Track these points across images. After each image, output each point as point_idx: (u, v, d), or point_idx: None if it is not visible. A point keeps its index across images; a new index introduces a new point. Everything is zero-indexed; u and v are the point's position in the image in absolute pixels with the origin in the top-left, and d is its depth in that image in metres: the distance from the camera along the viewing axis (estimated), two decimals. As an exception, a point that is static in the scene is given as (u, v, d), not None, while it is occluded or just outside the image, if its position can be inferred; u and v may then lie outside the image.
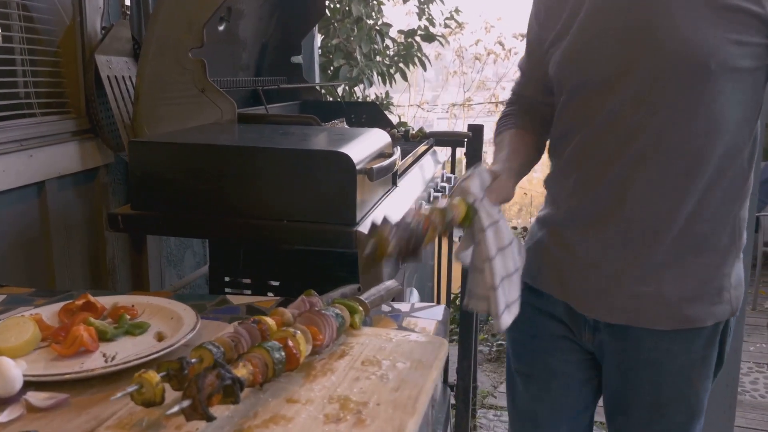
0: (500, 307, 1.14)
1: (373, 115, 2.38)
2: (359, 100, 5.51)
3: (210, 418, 0.71)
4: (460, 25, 6.49)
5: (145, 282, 1.95)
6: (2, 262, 1.51)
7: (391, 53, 5.69)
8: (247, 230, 1.32)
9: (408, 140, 2.26)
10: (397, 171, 1.60)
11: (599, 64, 1.18)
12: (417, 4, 5.75)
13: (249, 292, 1.83)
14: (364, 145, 1.41)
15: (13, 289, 1.27)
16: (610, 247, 1.22)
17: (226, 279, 1.81)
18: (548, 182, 1.34)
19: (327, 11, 5.60)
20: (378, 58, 5.50)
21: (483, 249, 1.12)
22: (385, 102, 5.69)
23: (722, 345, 1.27)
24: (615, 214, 1.20)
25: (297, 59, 2.42)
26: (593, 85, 1.20)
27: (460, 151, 2.44)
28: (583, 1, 1.21)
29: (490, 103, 8.67)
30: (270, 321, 0.92)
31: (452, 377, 2.61)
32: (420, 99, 10.88)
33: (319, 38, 5.61)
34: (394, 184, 1.62)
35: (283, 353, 0.84)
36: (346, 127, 2.05)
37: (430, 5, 5.77)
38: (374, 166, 1.31)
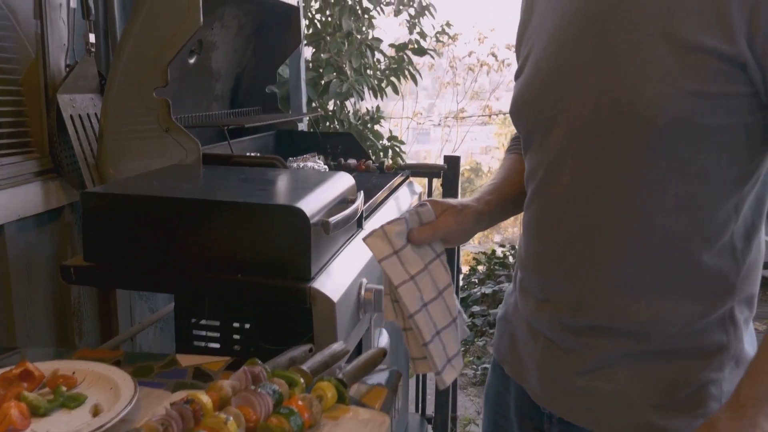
0: (438, 364, 1.07)
1: (349, 146, 2.36)
2: (349, 112, 5.50)
3: None
4: (451, 38, 6.49)
5: (114, 322, 1.93)
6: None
7: (383, 67, 5.68)
8: (202, 284, 1.29)
9: (383, 172, 2.24)
10: (362, 214, 1.57)
11: (536, 113, 1.01)
12: (408, 18, 5.75)
13: (217, 334, 1.80)
14: (323, 194, 1.38)
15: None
16: (563, 333, 1.02)
17: (192, 321, 1.78)
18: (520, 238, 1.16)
19: (318, 25, 5.61)
20: (369, 72, 5.49)
21: (403, 308, 1.06)
22: (375, 116, 5.69)
23: None
24: (565, 299, 1.01)
25: (272, 89, 2.40)
26: (534, 137, 1.03)
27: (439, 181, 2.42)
28: (539, 35, 1.04)
29: (482, 115, 8.67)
30: (204, 399, 0.89)
31: (430, 408, 2.58)
32: (416, 106, 10.91)
33: (309, 51, 5.61)
34: (360, 227, 1.59)
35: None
36: (316, 164, 2.03)
37: (422, 19, 5.76)
38: (331, 219, 1.28)
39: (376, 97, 5.59)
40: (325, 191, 1.41)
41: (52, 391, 1.00)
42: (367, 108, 5.77)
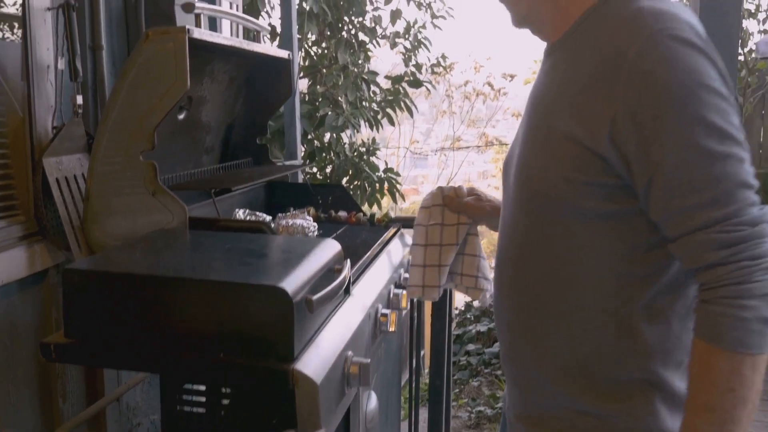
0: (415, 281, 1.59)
1: (340, 197, 2.35)
2: (345, 144, 5.50)
3: None
4: (446, 68, 6.50)
5: (99, 381, 1.91)
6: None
7: (378, 99, 5.69)
8: (184, 364, 1.28)
9: (374, 224, 2.23)
10: (349, 281, 1.56)
11: (504, 178, 1.23)
12: (403, 51, 5.77)
13: (203, 399, 1.77)
14: (308, 266, 1.36)
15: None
16: (507, 374, 1.24)
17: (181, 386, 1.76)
18: None
19: (314, 57, 5.63)
20: (365, 104, 5.50)
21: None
22: (371, 148, 5.69)
23: None
24: (500, 338, 1.23)
25: (263, 140, 2.39)
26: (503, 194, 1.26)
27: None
28: None
29: (477, 146, 8.69)
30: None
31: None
32: (413, 131, 10.92)
33: (304, 83, 5.63)
34: (347, 293, 1.58)
35: None
36: (305, 222, 2.01)
37: (417, 51, 5.78)
38: (315, 297, 1.27)
39: (372, 129, 5.61)
40: (311, 263, 1.39)
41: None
42: (363, 140, 5.78)
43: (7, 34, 2.09)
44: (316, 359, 1.28)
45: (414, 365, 2.50)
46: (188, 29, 1.60)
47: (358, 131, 5.60)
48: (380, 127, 5.73)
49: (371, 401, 1.74)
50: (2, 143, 1.68)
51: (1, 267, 1.59)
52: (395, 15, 5.48)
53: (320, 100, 5.34)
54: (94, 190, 1.68)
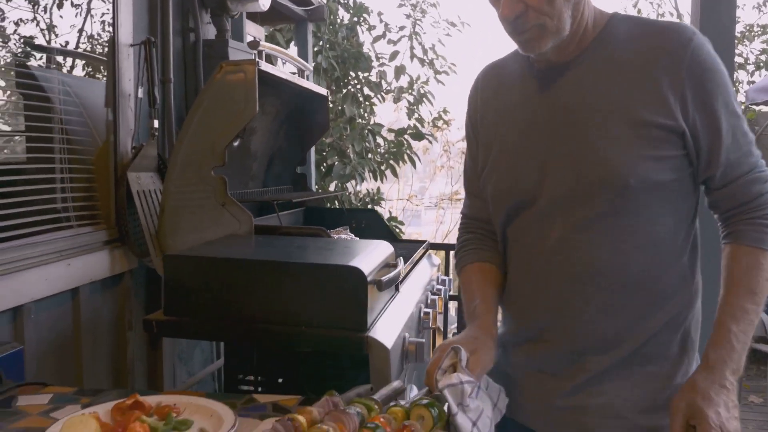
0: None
1: (373, 221, 2.58)
2: (350, 194, 5.72)
3: None
4: (446, 122, 6.79)
5: (159, 380, 2.09)
6: (40, 362, 1.65)
7: (382, 150, 5.93)
8: (270, 336, 1.48)
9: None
10: (403, 277, 1.77)
11: (520, 194, 1.29)
12: (407, 105, 6.04)
13: (261, 389, 1.96)
14: (371, 258, 1.58)
15: (57, 388, 1.41)
16: (555, 362, 1.27)
17: (240, 377, 1.95)
18: (502, 300, 1.39)
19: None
20: (369, 155, 5.73)
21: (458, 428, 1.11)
22: (376, 197, 5.91)
23: None
24: (557, 331, 1.27)
25: (301, 169, 2.63)
26: (519, 212, 1.31)
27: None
28: (506, 130, 1.34)
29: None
30: (301, 418, 1.07)
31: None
32: (409, 190, 11.12)
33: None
34: (397, 290, 1.79)
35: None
36: (352, 237, 2.23)
37: (420, 106, 6.06)
38: (382, 278, 1.49)
39: (376, 179, 5.85)
40: (372, 255, 1.61)
41: (162, 418, 1.17)
42: (367, 189, 6.01)
43: (78, 70, 2.34)
44: (383, 332, 1.48)
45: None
46: (258, 62, 1.85)
47: (363, 180, 5.84)
48: (384, 178, 5.97)
49: (412, 393, 1.93)
50: (88, 160, 1.91)
51: (90, 267, 1.80)
52: (399, 71, 5.78)
53: (327, 150, 5.61)
54: (169, 203, 1.91)
